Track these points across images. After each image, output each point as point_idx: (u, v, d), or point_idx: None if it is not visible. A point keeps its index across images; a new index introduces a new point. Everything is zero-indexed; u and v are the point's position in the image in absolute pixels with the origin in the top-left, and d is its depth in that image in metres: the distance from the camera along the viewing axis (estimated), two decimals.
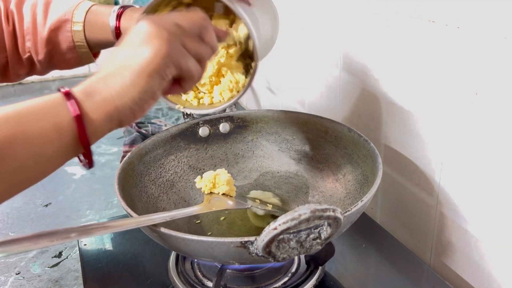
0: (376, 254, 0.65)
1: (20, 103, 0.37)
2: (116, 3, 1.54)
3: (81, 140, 0.38)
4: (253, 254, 0.43)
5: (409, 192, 0.68)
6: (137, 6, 0.65)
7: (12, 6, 0.63)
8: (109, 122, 0.40)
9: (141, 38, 0.42)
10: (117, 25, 0.62)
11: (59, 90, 0.39)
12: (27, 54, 0.64)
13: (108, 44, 0.65)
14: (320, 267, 0.59)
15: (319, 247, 0.43)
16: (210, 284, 0.58)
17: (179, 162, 0.70)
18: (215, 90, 0.62)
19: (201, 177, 0.63)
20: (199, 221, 0.66)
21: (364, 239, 0.67)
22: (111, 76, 0.40)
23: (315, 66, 0.88)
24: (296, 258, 0.61)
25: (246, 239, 0.43)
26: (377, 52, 0.68)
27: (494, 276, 0.56)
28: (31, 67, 0.66)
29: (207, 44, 0.46)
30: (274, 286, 0.57)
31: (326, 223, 0.41)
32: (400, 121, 0.66)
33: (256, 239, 0.42)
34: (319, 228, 0.42)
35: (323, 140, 0.70)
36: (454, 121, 0.56)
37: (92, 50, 0.65)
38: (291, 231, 0.41)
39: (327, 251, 0.58)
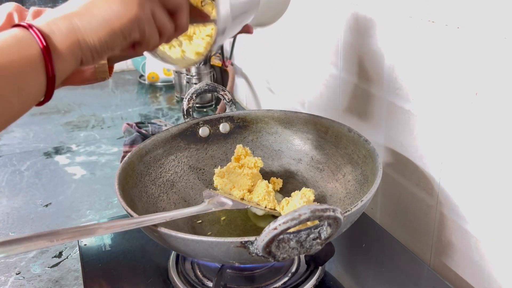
0: (376, 254, 0.65)
1: None
2: None
3: (50, 72, 0.39)
4: (253, 254, 0.43)
5: (409, 192, 0.68)
6: None
7: (29, 18, 0.61)
8: (73, 56, 0.40)
9: None
10: None
11: (19, 25, 0.39)
12: None
13: (128, 55, 0.64)
14: (320, 267, 0.59)
15: (319, 247, 0.43)
16: (210, 284, 0.58)
17: (179, 162, 0.70)
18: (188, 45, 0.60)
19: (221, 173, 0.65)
20: (199, 221, 0.66)
21: (364, 239, 0.67)
22: (77, 15, 0.40)
23: (315, 66, 0.88)
24: (296, 258, 0.61)
25: (246, 239, 0.43)
26: (377, 52, 0.68)
27: (494, 276, 0.56)
28: None
29: (176, 22, 0.46)
30: (274, 286, 0.57)
31: (326, 223, 0.41)
32: (400, 121, 0.66)
33: (256, 239, 0.42)
34: (319, 228, 0.42)
35: (323, 140, 0.70)
36: (454, 121, 0.56)
37: (109, 62, 0.64)
38: (291, 231, 0.41)
39: (327, 251, 0.58)
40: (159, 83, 1.59)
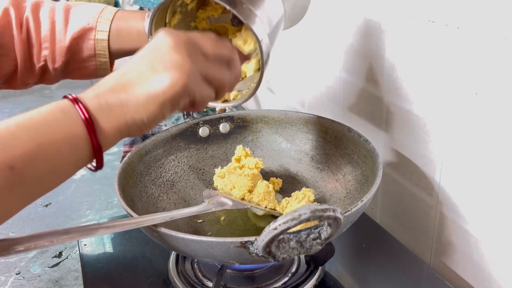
0: (376, 254, 0.65)
1: (30, 113, 0.37)
2: (116, 4, 1.54)
3: (95, 151, 0.39)
4: (253, 254, 0.43)
5: (409, 192, 0.68)
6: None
7: (28, 13, 0.61)
8: (119, 134, 0.40)
9: (164, 62, 0.41)
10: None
11: (66, 97, 0.39)
12: (42, 63, 0.62)
13: (132, 51, 0.64)
14: (320, 267, 0.59)
15: (319, 247, 0.43)
16: (210, 284, 0.58)
17: (179, 162, 0.70)
18: None
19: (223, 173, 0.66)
20: (200, 220, 0.66)
21: (364, 239, 0.67)
22: (125, 90, 0.40)
23: (315, 66, 0.88)
24: (296, 258, 0.61)
25: (246, 239, 0.43)
26: (377, 52, 0.68)
27: (494, 276, 0.56)
28: (42, 76, 0.65)
29: (232, 73, 0.46)
30: (274, 286, 0.57)
31: (326, 223, 0.41)
32: (400, 121, 0.66)
33: (256, 239, 0.42)
34: (319, 228, 0.42)
35: (323, 140, 0.70)
36: (454, 121, 0.56)
37: (111, 58, 0.64)
38: (291, 231, 0.41)
39: (327, 251, 0.58)
40: None
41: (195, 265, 0.61)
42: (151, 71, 0.41)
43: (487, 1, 0.48)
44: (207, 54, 0.44)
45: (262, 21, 0.51)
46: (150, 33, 0.54)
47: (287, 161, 0.73)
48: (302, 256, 0.60)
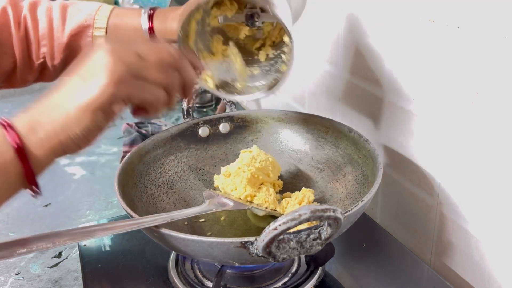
0: (376, 254, 0.65)
1: None
2: (116, 3, 1.54)
3: (27, 176, 0.38)
4: (253, 254, 0.43)
5: (409, 192, 0.68)
6: (165, 7, 0.66)
7: (26, 11, 0.62)
8: (53, 155, 0.40)
9: (92, 71, 0.40)
10: (150, 26, 0.62)
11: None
12: (41, 60, 0.64)
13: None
14: (320, 267, 0.59)
15: (319, 247, 0.43)
16: (210, 284, 0.58)
17: (179, 162, 0.70)
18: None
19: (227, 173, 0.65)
20: (201, 220, 0.66)
21: (364, 239, 0.67)
22: (55, 108, 0.40)
23: (315, 66, 0.88)
24: (296, 258, 0.61)
25: (246, 239, 0.43)
26: (377, 52, 0.68)
27: (494, 276, 0.56)
28: (42, 73, 0.66)
29: (181, 76, 0.46)
30: (274, 286, 0.57)
31: (326, 223, 0.41)
32: (400, 121, 0.66)
33: (256, 239, 0.42)
34: (319, 228, 0.42)
35: (323, 140, 0.70)
36: (454, 121, 0.56)
37: None
38: (291, 231, 0.41)
39: (327, 251, 0.58)
40: None
41: (195, 265, 0.61)
42: (81, 82, 0.40)
43: (487, 1, 0.48)
44: (145, 57, 0.42)
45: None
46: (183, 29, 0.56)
47: (287, 161, 0.73)
48: (302, 256, 0.60)
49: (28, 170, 0.38)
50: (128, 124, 1.01)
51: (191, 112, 0.73)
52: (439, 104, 0.58)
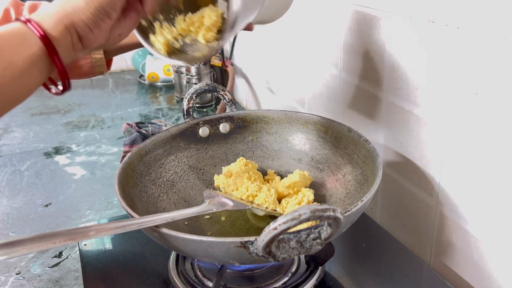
0: (376, 254, 0.65)
1: None
2: None
3: (50, 56, 0.42)
4: (253, 254, 0.43)
5: (409, 192, 0.68)
6: None
7: (25, 13, 0.63)
8: (69, 34, 0.43)
9: None
10: None
11: (18, 19, 0.42)
12: None
13: (127, 47, 0.65)
14: (320, 267, 0.59)
15: (319, 247, 0.43)
16: (210, 284, 0.58)
17: (179, 162, 0.70)
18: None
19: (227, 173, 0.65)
20: (206, 217, 0.66)
21: (364, 239, 0.67)
22: (67, 2, 0.43)
23: (315, 66, 0.88)
24: (296, 258, 0.61)
25: (246, 239, 0.43)
26: (377, 52, 0.68)
27: (494, 276, 0.56)
28: None
29: None
30: (274, 286, 0.57)
31: (326, 223, 0.41)
32: (400, 121, 0.66)
33: (256, 239, 0.42)
34: (319, 228, 0.42)
35: (323, 140, 0.70)
36: (454, 121, 0.56)
37: (106, 56, 0.65)
38: (291, 231, 0.41)
39: (327, 251, 0.58)
40: (159, 83, 1.59)
41: (195, 265, 0.61)
42: None
43: (487, 1, 0.48)
44: None
45: None
46: None
47: (287, 161, 0.73)
48: (302, 256, 0.60)
49: (51, 50, 0.41)
50: (128, 124, 1.01)
51: (191, 112, 0.73)
52: (438, 104, 0.58)
